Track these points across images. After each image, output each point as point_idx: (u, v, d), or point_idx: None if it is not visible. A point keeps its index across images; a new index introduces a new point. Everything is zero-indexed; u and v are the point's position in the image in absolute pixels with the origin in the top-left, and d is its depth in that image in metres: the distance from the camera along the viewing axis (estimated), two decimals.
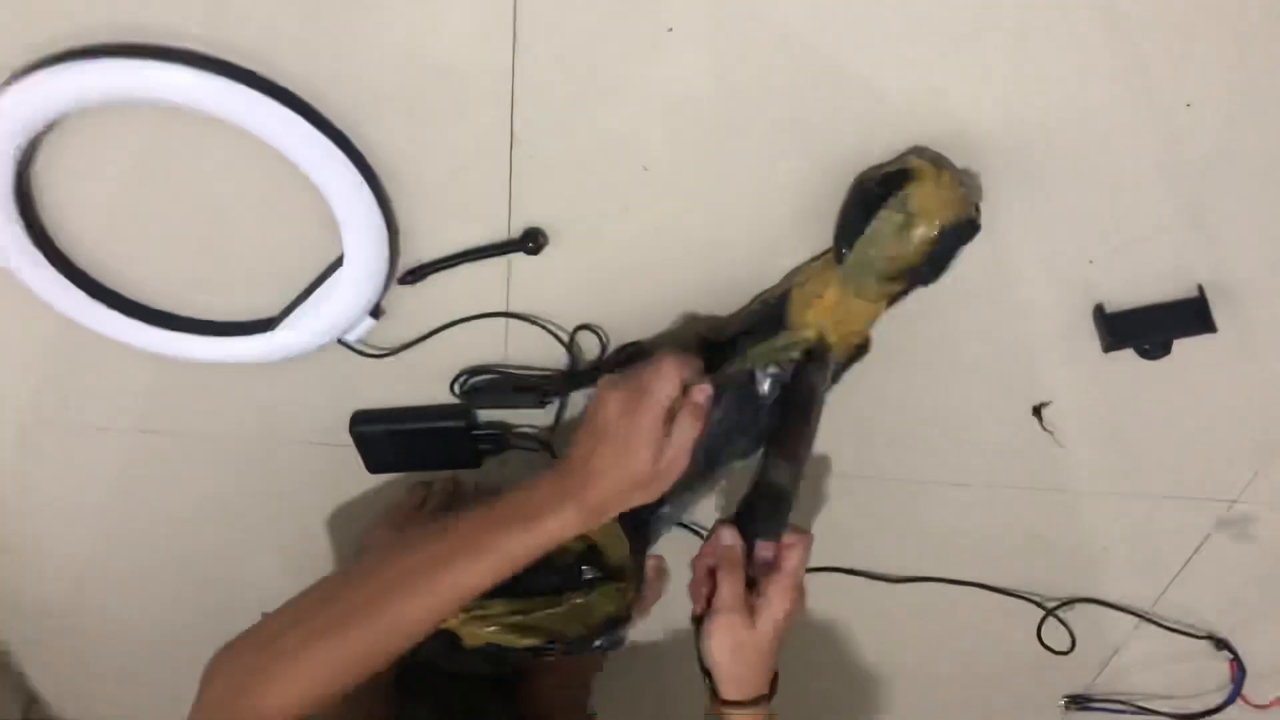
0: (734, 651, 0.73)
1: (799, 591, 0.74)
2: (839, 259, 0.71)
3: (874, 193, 0.68)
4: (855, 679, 1.17)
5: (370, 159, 0.72)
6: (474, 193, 0.74)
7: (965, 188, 0.67)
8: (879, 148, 0.70)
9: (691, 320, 0.81)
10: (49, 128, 0.70)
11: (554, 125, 0.70)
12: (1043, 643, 1.07)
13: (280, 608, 0.73)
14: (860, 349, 0.77)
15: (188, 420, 0.94)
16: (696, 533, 0.94)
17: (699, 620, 0.75)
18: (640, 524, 0.78)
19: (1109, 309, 0.79)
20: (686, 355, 0.72)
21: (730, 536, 0.75)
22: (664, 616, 1.06)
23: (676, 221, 0.76)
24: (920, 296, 0.73)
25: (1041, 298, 0.79)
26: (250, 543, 1.07)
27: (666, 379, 0.70)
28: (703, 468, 0.76)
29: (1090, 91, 0.67)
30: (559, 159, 0.72)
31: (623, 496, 0.71)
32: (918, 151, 0.69)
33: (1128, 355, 0.80)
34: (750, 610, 0.73)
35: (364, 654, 0.70)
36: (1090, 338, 0.81)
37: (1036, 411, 0.87)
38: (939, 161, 0.68)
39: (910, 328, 0.80)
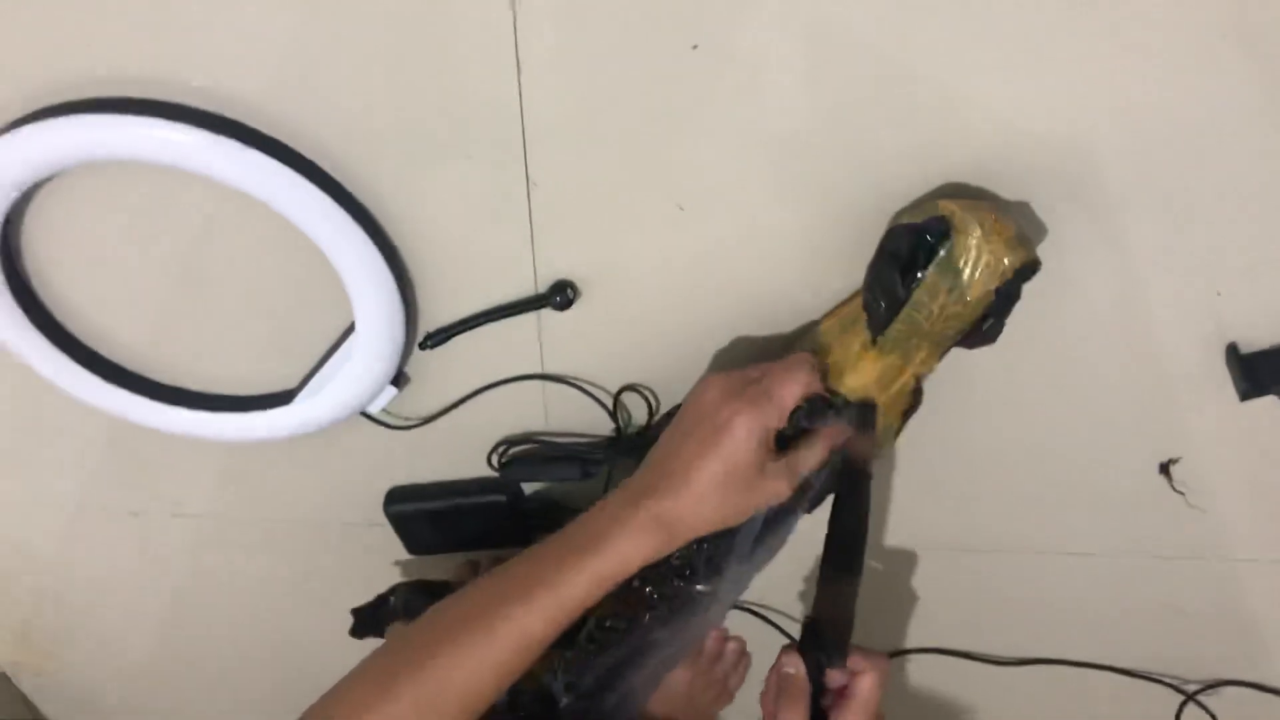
0: None
1: None
2: (875, 323, 0.63)
3: (908, 251, 0.59)
4: None
5: (376, 213, 0.67)
6: (494, 245, 0.69)
7: (1013, 225, 0.57)
8: (953, 172, 0.62)
9: None
10: (38, 186, 0.68)
11: (572, 163, 0.64)
12: None
13: (343, 678, 0.66)
14: (912, 405, 0.68)
15: (225, 503, 0.91)
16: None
17: None
18: (675, 592, 0.69)
19: (1244, 349, 0.70)
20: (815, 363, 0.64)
21: (792, 664, 0.67)
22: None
23: (720, 265, 0.69)
24: (1022, 344, 0.66)
25: (1164, 338, 0.71)
26: (304, 626, 1.04)
27: (797, 380, 0.61)
28: (758, 530, 0.67)
29: (1208, 94, 0.58)
30: (583, 202, 0.66)
31: (710, 502, 0.61)
32: (947, 193, 0.58)
33: (1269, 403, 0.71)
34: None
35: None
36: (1224, 383, 0.72)
37: (1164, 469, 0.79)
38: (976, 202, 0.58)
39: (1014, 378, 0.73)
